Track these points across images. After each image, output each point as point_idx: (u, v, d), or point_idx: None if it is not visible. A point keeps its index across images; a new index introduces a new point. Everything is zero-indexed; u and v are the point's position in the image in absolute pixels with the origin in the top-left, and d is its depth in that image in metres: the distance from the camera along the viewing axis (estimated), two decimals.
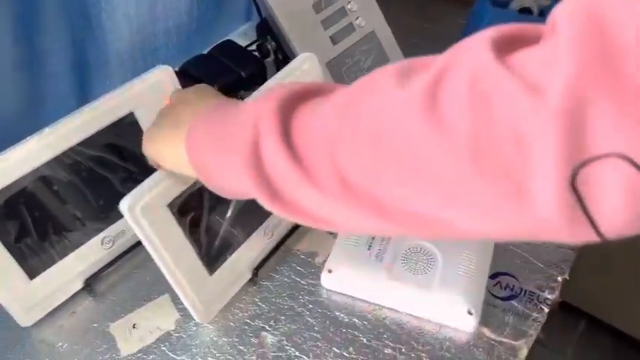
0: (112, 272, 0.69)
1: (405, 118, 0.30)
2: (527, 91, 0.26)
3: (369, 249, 0.66)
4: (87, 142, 0.62)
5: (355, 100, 0.34)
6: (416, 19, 1.11)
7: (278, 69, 0.83)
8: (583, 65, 0.24)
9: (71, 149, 0.61)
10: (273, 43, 0.81)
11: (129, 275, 0.69)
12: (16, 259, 0.60)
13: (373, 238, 0.67)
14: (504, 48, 0.28)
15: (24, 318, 0.63)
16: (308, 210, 0.37)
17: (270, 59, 0.83)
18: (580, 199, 0.26)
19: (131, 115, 0.65)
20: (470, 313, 0.60)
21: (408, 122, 0.30)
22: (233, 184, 0.41)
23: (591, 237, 0.28)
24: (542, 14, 0.94)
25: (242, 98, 0.80)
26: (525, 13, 0.93)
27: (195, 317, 0.63)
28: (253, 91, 0.81)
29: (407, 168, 0.31)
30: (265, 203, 0.39)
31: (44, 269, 0.63)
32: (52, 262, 0.63)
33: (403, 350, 0.60)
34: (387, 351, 0.61)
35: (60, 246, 0.63)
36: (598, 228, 0.27)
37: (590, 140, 0.25)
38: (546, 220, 0.27)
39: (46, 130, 0.59)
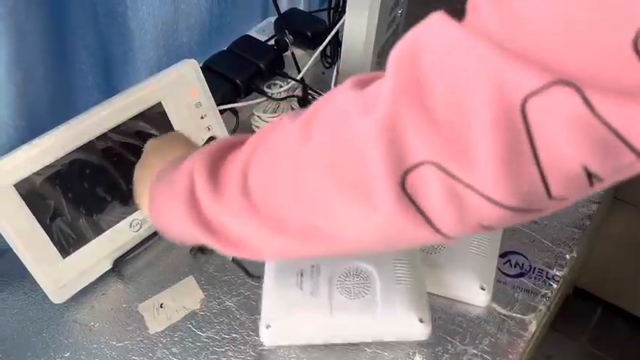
0: (139, 257, 0.73)
1: (288, 141, 0.38)
2: (363, 113, 0.32)
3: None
4: (118, 129, 0.66)
5: (263, 136, 0.41)
6: (423, 9, 1.13)
7: (295, 62, 0.87)
8: (397, 94, 0.30)
9: (103, 135, 0.65)
10: (291, 37, 0.85)
11: (155, 260, 0.73)
12: (51, 238, 0.64)
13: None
14: (361, 84, 0.35)
15: (56, 295, 0.66)
16: (230, 236, 0.42)
17: (288, 52, 0.87)
18: (413, 201, 0.32)
19: (159, 104, 0.68)
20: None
21: (289, 144, 0.38)
22: (179, 228, 0.46)
23: (434, 236, 0.33)
24: None
25: (262, 91, 0.84)
26: None
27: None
28: (272, 80, 0.86)
29: (286, 182, 0.38)
30: (202, 237, 0.44)
31: (76, 249, 0.66)
32: (84, 243, 0.67)
33: None
34: None
35: (91, 227, 0.67)
36: (435, 226, 0.33)
37: (407, 152, 0.30)
38: (392, 221, 0.33)
39: (81, 116, 0.63)
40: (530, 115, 0.28)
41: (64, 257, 0.65)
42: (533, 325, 0.62)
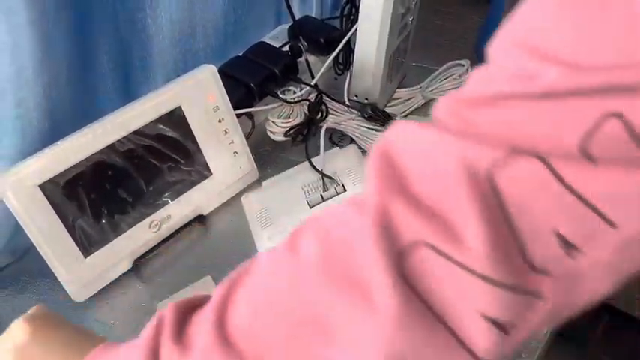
0: (158, 257, 0.74)
1: (274, 265, 0.35)
2: (355, 213, 0.33)
3: None
4: (139, 132, 0.67)
5: (239, 276, 0.37)
6: (434, 17, 1.15)
7: (309, 67, 0.89)
8: (382, 189, 0.31)
9: (125, 138, 0.66)
10: (305, 43, 0.86)
11: (174, 260, 0.74)
12: (73, 238, 0.65)
13: None
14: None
15: (78, 293, 0.68)
16: None
17: (302, 58, 0.89)
18: (414, 289, 0.30)
19: (179, 108, 0.70)
20: None
21: (276, 266, 0.35)
22: None
23: (449, 340, 0.31)
24: None
25: (277, 95, 0.85)
26: None
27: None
28: (286, 86, 0.88)
29: (280, 306, 0.34)
30: None
31: (97, 248, 0.68)
32: (105, 242, 0.68)
33: None
34: None
35: (112, 227, 0.69)
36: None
37: (400, 237, 0.30)
38: (397, 320, 0.30)
39: (104, 119, 0.65)
40: (501, 187, 0.29)
41: (85, 257, 0.67)
42: None
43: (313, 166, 0.79)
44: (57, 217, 0.63)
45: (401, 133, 0.33)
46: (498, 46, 0.31)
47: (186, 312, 0.39)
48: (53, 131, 0.68)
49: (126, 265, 0.72)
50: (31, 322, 0.47)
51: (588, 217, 0.28)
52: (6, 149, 0.64)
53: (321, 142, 0.81)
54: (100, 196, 0.67)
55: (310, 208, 0.75)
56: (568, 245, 0.29)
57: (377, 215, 0.31)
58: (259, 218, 0.75)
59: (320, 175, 0.77)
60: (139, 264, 0.72)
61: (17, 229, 0.71)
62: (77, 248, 0.66)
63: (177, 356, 0.36)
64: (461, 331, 0.31)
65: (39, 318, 0.48)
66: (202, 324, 0.36)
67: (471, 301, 0.30)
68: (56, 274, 0.65)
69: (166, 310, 0.39)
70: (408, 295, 0.30)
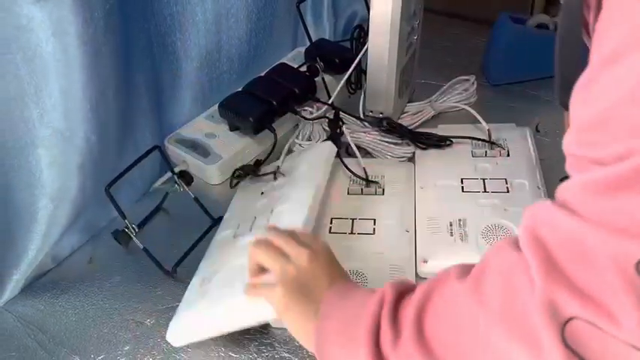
0: (189, 260, 0.78)
1: (464, 299, 0.45)
2: (527, 288, 0.40)
3: (451, 235, 0.75)
4: None
5: (436, 285, 0.48)
6: (440, 39, 1.21)
7: (325, 86, 0.95)
8: (543, 274, 0.39)
9: None
10: (322, 63, 0.93)
11: None
12: None
13: (451, 223, 0.76)
14: (514, 245, 0.43)
15: None
16: None
17: (318, 77, 0.95)
18: (575, 351, 0.37)
19: None
20: None
21: (465, 301, 0.45)
22: None
23: None
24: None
25: (297, 112, 0.91)
26: (542, 28, 1.02)
27: None
28: (305, 104, 0.94)
29: (466, 336, 0.44)
30: None
31: None
32: None
33: None
34: None
35: None
36: None
37: (562, 312, 0.38)
38: None
39: None
40: None
41: None
42: None
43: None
44: None
45: (544, 218, 0.40)
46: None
47: (401, 294, 0.50)
48: (99, 144, 0.73)
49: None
50: (313, 256, 0.59)
51: None
52: None
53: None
54: None
55: None
56: None
57: (544, 297, 0.38)
58: None
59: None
60: (175, 267, 0.77)
61: (61, 236, 0.76)
62: None
63: (390, 338, 0.47)
64: None
65: (320, 253, 0.60)
66: (409, 316, 0.47)
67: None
68: None
69: (387, 288, 0.51)
70: (571, 354, 0.38)
